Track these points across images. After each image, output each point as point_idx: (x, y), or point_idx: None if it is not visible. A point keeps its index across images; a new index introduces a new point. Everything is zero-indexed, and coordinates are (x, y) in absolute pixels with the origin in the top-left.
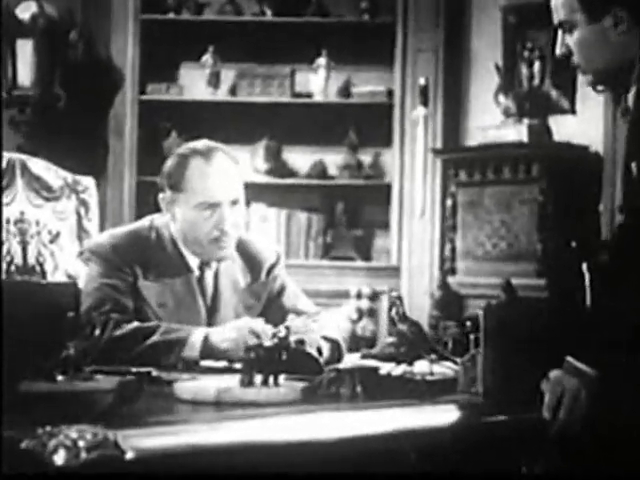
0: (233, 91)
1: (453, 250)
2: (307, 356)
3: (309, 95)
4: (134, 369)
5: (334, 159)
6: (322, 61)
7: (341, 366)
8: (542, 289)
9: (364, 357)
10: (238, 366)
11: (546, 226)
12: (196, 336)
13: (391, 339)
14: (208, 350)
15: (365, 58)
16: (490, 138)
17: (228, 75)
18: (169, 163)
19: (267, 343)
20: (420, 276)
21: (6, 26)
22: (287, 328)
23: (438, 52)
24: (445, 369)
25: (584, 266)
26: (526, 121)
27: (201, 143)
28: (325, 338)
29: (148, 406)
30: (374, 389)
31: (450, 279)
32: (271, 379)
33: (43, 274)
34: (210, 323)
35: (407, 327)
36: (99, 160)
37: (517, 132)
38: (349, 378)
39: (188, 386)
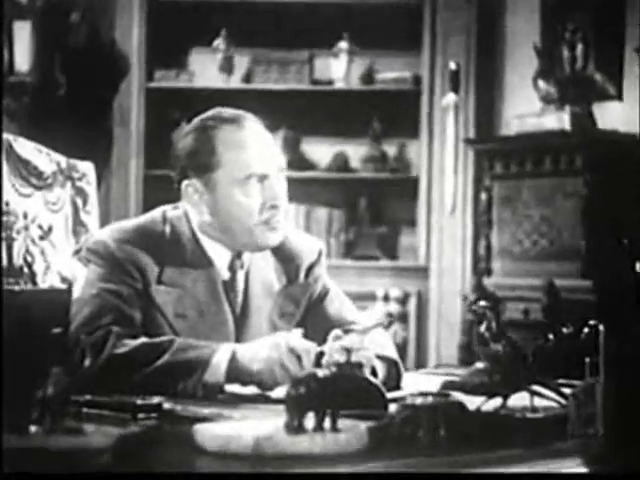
0: (247, 78)
1: (488, 249)
2: (369, 386)
3: (329, 82)
4: (139, 400)
5: (356, 151)
6: (343, 45)
7: (416, 399)
8: (588, 291)
9: (446, 388)
10: (275, 393)
11: (591, 222)
12: (221, 355)
13: (481, 364)
14: (235, 372)
15: (390, 41)
16: (529, 127)
17: (242, 61)
18: (187, 141)
19: (321, 372)
20: (451, 277)
21: (2, 7)
22: (348, 350)
23: (470, 34)
24: (548, 401)
25: (638, 266)
26: (568, 108)
27: (219, 111)
28: (378, 357)
29: (157, 456)
30: (461, 431)
31: (485, 280)
32: (327, 421)
33: (32, 277)
34: (239, 335)
35: (502, 348)
36: (103, 153)
37: (558, 120)
38: (428, 417)
39: (215, 431)
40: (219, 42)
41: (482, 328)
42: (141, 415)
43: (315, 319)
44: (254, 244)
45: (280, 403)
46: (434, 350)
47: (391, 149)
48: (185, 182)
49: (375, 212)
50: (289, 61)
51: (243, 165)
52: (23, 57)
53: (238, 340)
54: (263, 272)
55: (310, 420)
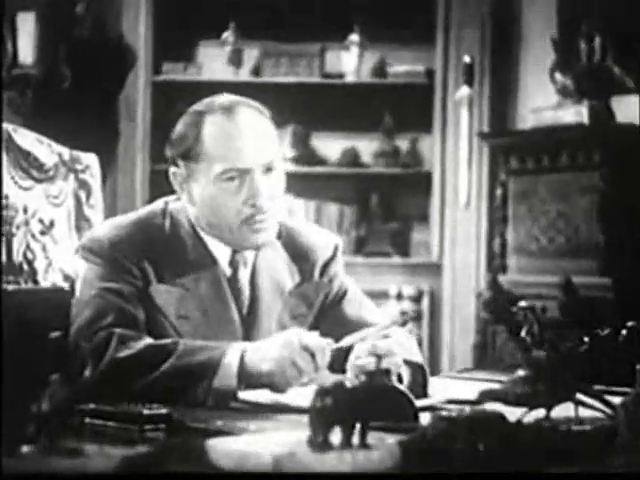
0: (256, 71)
1: (503, 245)
2: (400, 396)
3: (340, 75)
4: (146, 410)
5: (368, 146)
6: (355, 38)
7: (452, 411)
8: (606, 289)
9: (484, 397)
10: (291, 398)
11: (609, 218)
12: (231, 356)
13: (523, 372)
14: (245, 374)
15: (402, 34)
16: (545, 120)
17: (251, 54)
18: (179, 126)
19: (349, 382)
20: (465, 274)
21: None
22: (379, 357)
23: (484, 25)
24: (594, 412)
25: None
26: (586, 101)
27: (219, 97)
28: (404, 361)
29: None
30: (501, 446)
31: (501, 277)
32: (356, 436)
33: (33, 275)
34: (246, 338)
35: (545, 354)
36: (109, 147)
37: (576, 113)
38: (466, 430)
39: (231, 447)
40: (228, 34)
41: (523, 332)
42: (148, 427)
43: (331, 321)
44: (239, 244)
45: (300, 412)
46: (447, 349)
47: (403, 144)
48: (172, 169)
49: (387, 208)
50: (299, 54)
51: (223, 157)
52: (27, 49)
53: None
54: (273, 269)
55: (336, 435)
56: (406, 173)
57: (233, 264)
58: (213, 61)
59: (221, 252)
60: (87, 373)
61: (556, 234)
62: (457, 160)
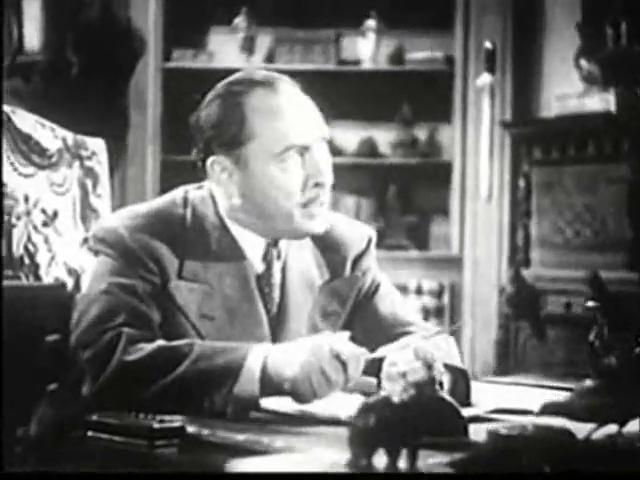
0: (270, 58)
1: (527, 238)
2: (449, 408)
3: (356, 63)
4: (157, 423)
5: (385, 135)
6: (371, 24)
7: (511, 427)
8: (634, 284)
9: (547, 411)
10: (326, 411)
11: (638, 210)
12: (255, 359)
13: (592, 382)
14: (267, 381)
15: (420, 19)
16: (570, 108)
17: (264, 40)
18: (212, 110)
19: (397, 397)
20: (486, 268)
21: None
22: (429, 366)
23: (506, 10)
24: None
25: None
26: (613, 89)
27: (248, 72)
28: (445, 366)
29: None
30: (568, 467)
31: (524, 271)
32: (404, 458)
33: (34, 269)
34: (274, 340)
35: (616, 361)
36: (118, 137)
37: (602, 101)
38: (529, 450)
39: (254, 470)
40: (240, 20)
41: (591, 336)
42: (160, 442)
43: (363, 319)
44: (293, 231)
45: (333, 424)
46: (468, 345)
47: (422, 133)
48: (211, 159)
49: (405, 200)
50: (314, 40)
51: (280, 135)
52: (33, 35)
53: (273, 343)
54: (302, 264)
55: (381, 457)
56: (425, 164)
57: (267, 258)
58: (225, 48)
59: (252, 246)
60: (86, 387)
61: (582, 227)
62: (478, 150)
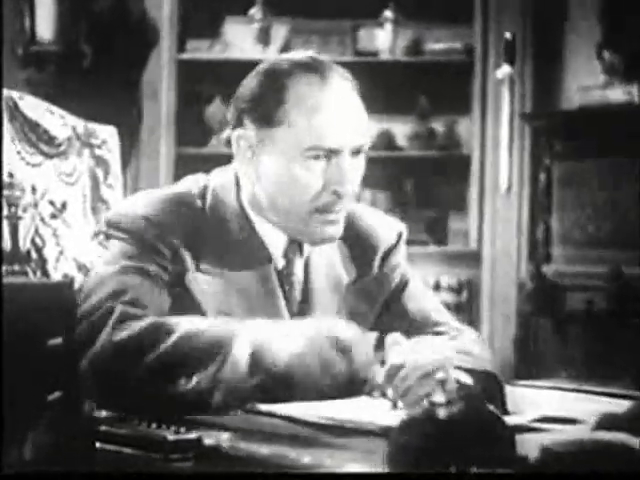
0: (285, 49)
1: (547, 233)
2: (496, 421)
3: (374, 54)
4: (172, 435)
5: (403, 128)
6: (389, 14)
7: (566, 441)
8: None
9: (604, 425)
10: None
11: None
12: (242, 341)
13: None
14: (258, 367)
15: (439, 10)
16: (592, 101)
17: (280, 31)
18: (253, 83)
19: (443, 412)
20: (505, 263)
21: None
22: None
23: (526, 0)
24: None
25: None
26: (637, 80)
27: (300, 53)
28: (473, 371)
29: None
30: None
31: (544, 268)
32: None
33: (42, 264)
34: None
35: None
36: (131, 129)
37: (626, 93)
38: (587, 466)
39: None
40: (255, 10)
41: None
42: (174, 455)
43: (391, 319)
44: (307, 234)
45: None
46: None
47: (440, 126)
48: (239, 131)
49: (423, 194)
50: (331, 31)
51: (313, 132)
52: (46, 25)
53: None
54: (328, 261)
55: None
56: (443, 157)
57: (288, 255)
58: (240, 38)
59: (274, 239)
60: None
61: (604, 222)
62: (497, 143)
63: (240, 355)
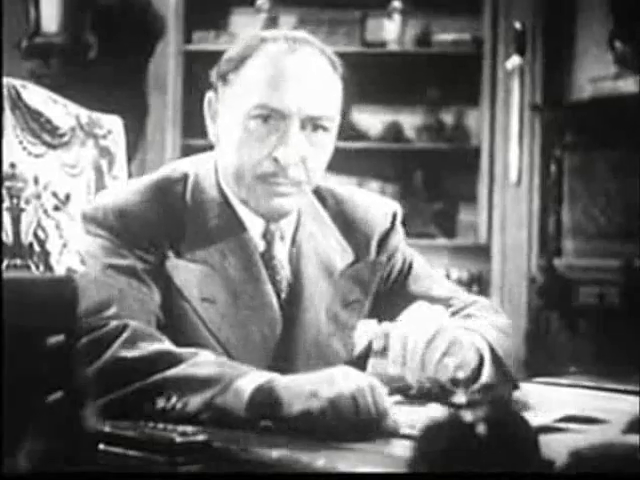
0: None
1: (558, 226)
2: (521, 423)
3: (382, 44)
4: (179, 437)
5: (411, 119)
6: (397, 4)
7: (594, 444)
8: None
9: (634, 429)
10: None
11: None
12: (252, 377)
13: None
14: (259, 405)
15: (448, 0)
16: (603, 91)
17: (287, 21)
18: (234, 47)
19: (470, 415)
20: (515, 257)
21: None
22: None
23: None
24: None
25: None
26: None
27: (293, 31)
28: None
29: None
30: None
31: (555, 261)
32: None
33: (45, 257)
34: (287, 327)
35: None
36: (137, 121)
37: (637, 83)
38: (616, 471)
39: None
40: (263, 1)
41: None
42: (181, 458)
43: (396, 304)
44: (255, 208)
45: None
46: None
47: (449, 117)
48: (208, 94)
49: (432, 186)
50: (339, 21)
51: (262, 87)
52: (51, 16)
53: (286, 333)
54: (319, 245)
55: None
56: (452, 149)
57: (266, 236)
58: (247, 29)
59: (252, 221)
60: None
61: (615, 214)
62: (507, 135)
63: (245, 386)
